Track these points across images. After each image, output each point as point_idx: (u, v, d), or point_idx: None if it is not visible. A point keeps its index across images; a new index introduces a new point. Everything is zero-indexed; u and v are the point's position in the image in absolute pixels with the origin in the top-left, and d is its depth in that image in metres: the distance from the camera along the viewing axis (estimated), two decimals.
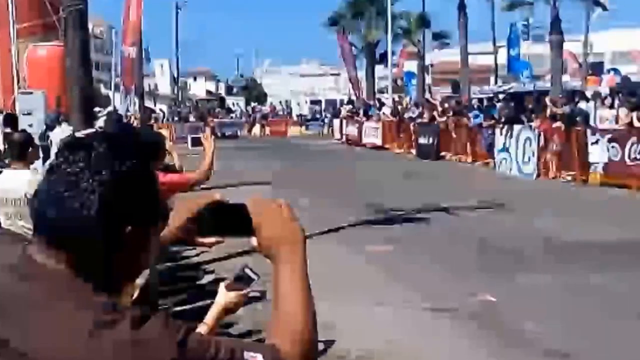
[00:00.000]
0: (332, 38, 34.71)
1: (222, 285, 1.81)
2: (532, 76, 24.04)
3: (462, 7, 29.47)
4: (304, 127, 35.67)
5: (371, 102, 29.14)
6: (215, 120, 32.89)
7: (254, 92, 65.13)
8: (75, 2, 8.42)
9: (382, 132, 23.39)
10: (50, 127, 9.62)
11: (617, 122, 13.53)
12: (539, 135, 14.53)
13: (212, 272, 6.73)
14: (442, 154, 18.89)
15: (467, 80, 29.37)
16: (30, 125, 9.24)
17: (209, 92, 64.54)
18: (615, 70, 26.19)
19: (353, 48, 34.14)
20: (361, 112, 27.29)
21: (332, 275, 5.98)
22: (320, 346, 4.44)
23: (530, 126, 15.30)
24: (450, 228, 9.07)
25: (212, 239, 1.19)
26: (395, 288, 6.24)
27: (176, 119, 33.92)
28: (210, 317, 1.78)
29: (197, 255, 6.98)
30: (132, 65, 20.16)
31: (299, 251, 1.10)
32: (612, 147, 12.54)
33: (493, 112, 18.00)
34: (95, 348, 0.89)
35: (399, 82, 33.85)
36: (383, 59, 33.95)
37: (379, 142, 23.35)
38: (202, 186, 4.26)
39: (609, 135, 12.79)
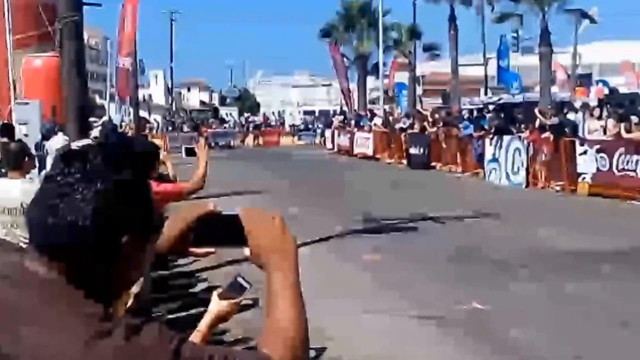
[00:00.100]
0: (324, 49, 34.99)
1: (215, 294, 1.84)
2: (521, 87, 24.31)
3: (452, 19, 29.81)
4: (296, 137, 35.85)
5: (363, 113, 29.32)
6: (208, 130, 32.94)
7: (247, 102, 65.26)
8: (70, 14, 8.49)
9: (373, 142, 23.54)
10: (46, 136, 9.66)
11: (605, 133, 13.68)
12: (528, 145, 14.70)
13: (205, 280, 6.78)
14: (433, 164, 19.03)
15: (458, 91, 29.65)
16: (26, 135, 9.30)
17: (202, 103, 64.68)
18: (604, 82, 26.52)
19: (345, 59, 34.37)
20: (353, 122, 27.47)
21: (321, 283, 6.06)
22: (312, 353, 4.54)
23: (520, 137, 15.48)
24: (439, 237, 9.15)
25: (205, 249, 1.20)
26: (383, 296, 6.33)
27: (170, 129, 34.03)
28: (203, 325, 1.81)
29: (191, 263, 7.03)
30: (127, 75, 20.28)
31: (291, 259, 1.10)
32: (601, 157, 12.69)
33: (483, 122, 18.17)
34: (91, 358, 0.90)
35: (390, 93, 34.06)
36: (374, 70, 34.23)
37: (370, 152, 23.49)
38: (195, 195, 4.34)
39: (597, 146, 12.94)
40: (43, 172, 5.90)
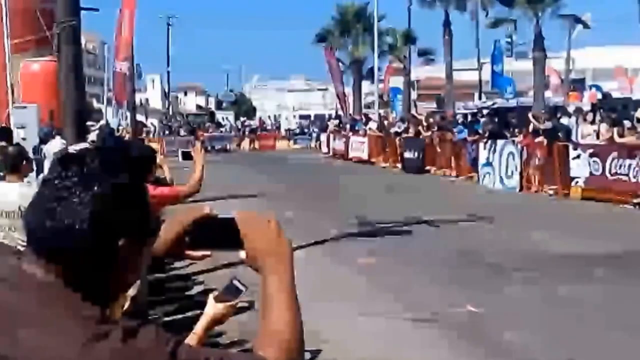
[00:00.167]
0: (320, 54, 35.07)
1: (211, 296, 1.84)
2: (515, 92, 24.46)
3: (447, 24, 29.95)
4: (292, 142, 35.89)
5: (358, 117, 29.41)
6: (205, 134, 33.01)
7: (243, 106, 65.33)
8: (68, 18, 8.53)
9: (368, 146, 23.62)
10: (43, 140, 9.69)
11: (598, 138, 13.77)
12: (522, 150, 14.78)
13: (201, 283, 6.82)
14: (427, 168, 19.10)
15: (452, 95, 29.78)
16: (24, 139, 9.33)
17: (199, 107, 64.75)
18: (597, 87, 26.70)
19: (340, 64, 34.52)
20: (348, 126, 27.55)
21: (317, 286, 6.09)
22: (307, 356, 4.57)
23: (514, 141, 15.56)
24: (434, 240, 9.19)
25: (201, 252, 1.21)
26: (378, 299, 6.36)
27: (167, 132, 34.04)
28: (199, 327, 1.82)
29: (187, 266, 7.06)
30: (124, 80, 20.32)
31: (286, 262, 1.11)
32: (594, 161, 12.77)
33: (477, 127, 18.25)
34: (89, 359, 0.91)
35: (385, 97, 34.19)
36: (370, 74, 34.35)
37: (365, 156, 23.57)
38: (191, 199, 4.37)
39: (591, 150, 13.02)
40: (41, 176, 5.91)
